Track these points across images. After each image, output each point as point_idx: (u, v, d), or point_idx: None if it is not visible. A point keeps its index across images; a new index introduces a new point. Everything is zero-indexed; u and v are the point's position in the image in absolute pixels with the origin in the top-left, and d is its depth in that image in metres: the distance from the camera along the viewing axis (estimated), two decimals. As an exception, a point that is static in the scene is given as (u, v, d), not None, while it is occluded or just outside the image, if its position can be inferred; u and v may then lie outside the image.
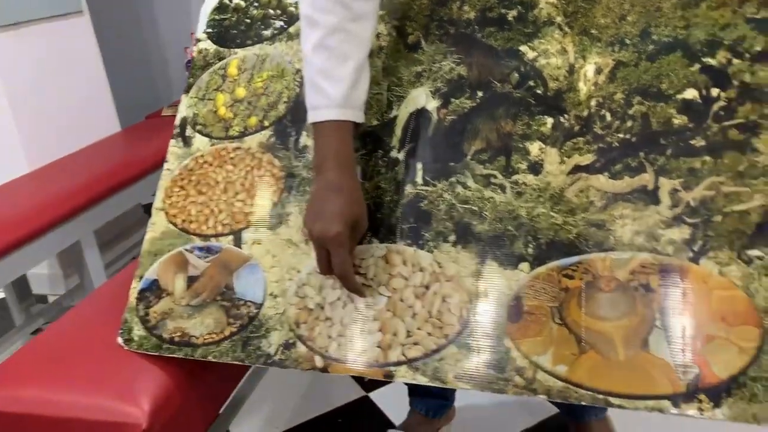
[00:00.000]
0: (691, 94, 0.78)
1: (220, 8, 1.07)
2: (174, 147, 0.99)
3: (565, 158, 0.81)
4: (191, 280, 0.88)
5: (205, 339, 0.84)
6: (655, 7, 0.83)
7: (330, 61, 0.77)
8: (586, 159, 0.80)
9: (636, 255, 0.74)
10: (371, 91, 0.90)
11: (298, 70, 0.97)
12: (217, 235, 0.90)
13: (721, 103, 0.77)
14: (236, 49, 1.03)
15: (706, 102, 0.78)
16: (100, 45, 2.30)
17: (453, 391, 1.26)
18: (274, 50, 1.00)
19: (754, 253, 0.71)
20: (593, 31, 0.85)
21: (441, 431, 1.28)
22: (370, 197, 0.86)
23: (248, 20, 1.04)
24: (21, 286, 1.95)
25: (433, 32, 0.91)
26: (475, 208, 0.81)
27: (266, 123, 0.96)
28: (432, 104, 0.88)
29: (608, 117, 0.81)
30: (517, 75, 0.86)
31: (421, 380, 0.75)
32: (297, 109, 0.95)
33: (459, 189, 0.83)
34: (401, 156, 0.87)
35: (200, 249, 0.90)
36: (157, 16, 3.12)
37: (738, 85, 0.77)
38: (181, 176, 0.96)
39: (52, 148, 2.04)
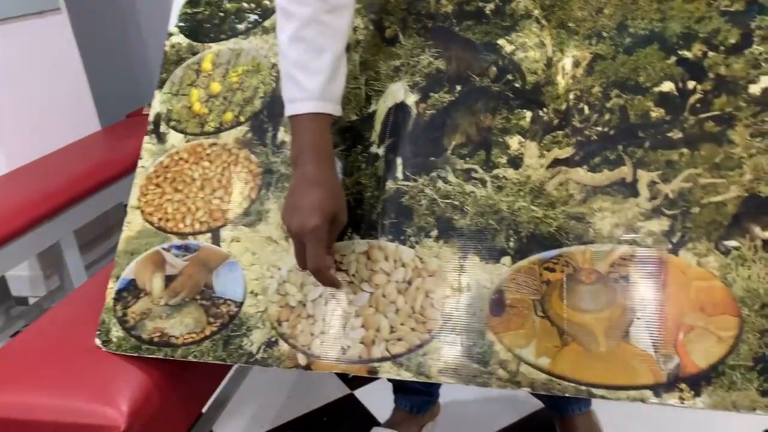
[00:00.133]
0: (667, 86, 0.79)
1: (192, 2, 1.06)
2: (148, 144, 0.98)
3: (544, 152, 0.81)
4: (169, 280, 0.87)
5: (185, 339, 0.83)
6: None
7: (306, 54, 0.77)
8: (566, 152, 0.80)
9: (616, 247, 0.74)
10: (349, 86, 0.89)
11: (274, 65, 0.96)
12: (194, 233, 0.89)
13: (698, 96, 0.77)
14: (210, 44, 1.01)
15: (683, 95, 0.78)
16: (79, 43, 2.27)
17: (437, 386, 1.26)
18: (248, 44, 0.99)
19: (730, 243, 0.71)
20: (570, 24, 0.85)
21: (426, 427, 1.28)
22: (351, 193, 0.85)
23: (222, 14, 1.03)
24: (0, 288, 1.92)
25: (411, 26, 0.91)
26: (457, 203, 0.81)
27: (242, 118, 0.95)
28: (411, 98, 0.88)
29: (586, 110, 0.81)
30: (495, 69, 0.86)
31: (405, 376, 0.75)
32: (273, 104, 0.94)
33: (440, 184, 0.82)
34: (381, 151, 0.87)
35: (178, 247, 0.89)
36: (137, 13, 3.08)
37: (713, 77, 0.78)
38: (156, 173, 0.95)
39: (31, 148, 2.01)
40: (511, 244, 0.77)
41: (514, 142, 0.82)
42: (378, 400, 1.42)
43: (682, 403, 0.67)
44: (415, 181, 0.83)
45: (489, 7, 0.88)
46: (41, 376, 0.81)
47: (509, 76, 0.85)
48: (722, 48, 0.78)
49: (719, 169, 0.74)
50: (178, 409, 0.88)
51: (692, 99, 0.78)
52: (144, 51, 3.15)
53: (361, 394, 1.47)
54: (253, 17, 1.01)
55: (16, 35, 2.01)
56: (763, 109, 0.75)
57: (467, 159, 0.83)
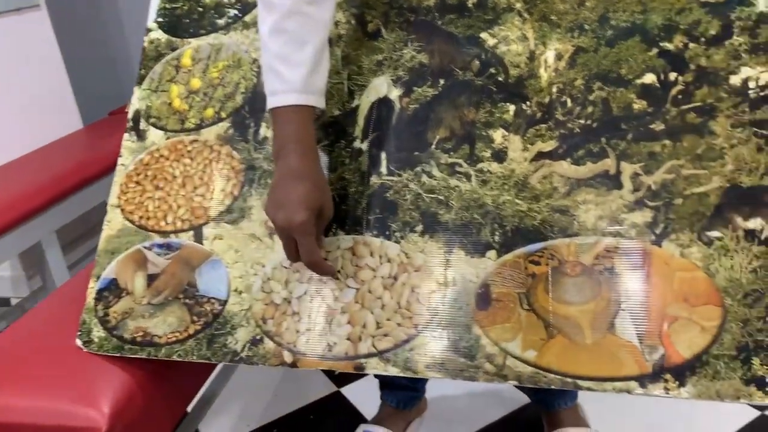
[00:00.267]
0: (649, 78, 0.79)
1: None
2: (128, 141, 0.96)
3: (528, 145, 0.81)
4: (151, 279, 0.86)
5: (168, 338, 0.82)
6: None
7: (287, 45, 0.76)
8: (549, 145, 0.80)
9: (600, 239, 0.74)
10: (331, 80, 0.88)
11: (255, 60, 0.95)
12: (176, 231, 0.88)
13: (679, 87, 0.78)
14: (189, 39, 1.00)
15: (665, 86, 0.78)
16: (59, 39, 2.23)
17: (423, 382, 1.26)
18: (229, 40, 0.98)
19: (713, 234, 0.72)
20: (553, 17, 0.85)
21: (413, 423, 1.28)
22: (335, 189, 0.84)
23: (201, 9, 1.02)
24: (-19, 290, 1.89)
25: (393, 20, 0.90)
26: (441, 198, 0.81)
27: (223, 114, 0.94)
28: (394, 93, 0.87)
29: (569, 103, 0.81)
30: (478, 62, 0.86)
31: (392, 371, 0.74)
32: (255, 99, 0.93)
33: (424, 178, 0.82)
34: (365, 146, 0.86)
35: (159, 246, 0.88)
36: (119, 9, 3.04)
37: (695, 69, 0.78)
38: (136, 171, 0.94)
39: (11, 146, 1.98)
40: (496, 237, 0.77)
41: (497, 135, 0.82)
42: (365, 397, 1.42)
43: (667, 394, 0.67)
44: (400, 175, 0.83)
45: (471, 1, 0.88)
46: (21, 378, 0.80)
47: (492, 70, 0.85)
48: (703, 39, 0.79)
49: (701, 160, 0.75)
50: (162, 409, 0.87)
51: (674, 91, 0.78)
52: (126, 47, 3.12)
53: (348, 391, 1.46)
54: (233, 12, 1.00)
55: (-6, 33, 1.98)
56: (743, 100, 0.75)
57: (451, 153, 0.82)
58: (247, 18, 0.98)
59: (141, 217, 0.91)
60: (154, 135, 0.95)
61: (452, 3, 0.89)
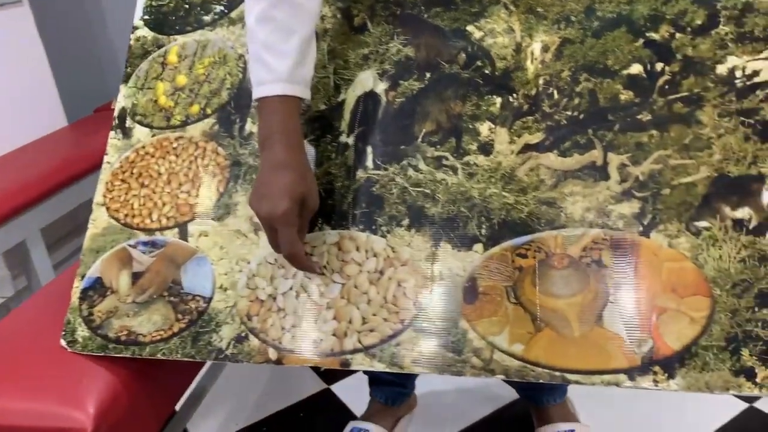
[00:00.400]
0: (636, 69, 0.79)
1: None
2: (113, 139, 0.95)
3: (515, 137, 0.80)
4: (136, 277, 0.85)
5: (152, 337, 0.81)
6: None
7: (274, 35, 0.75)
8: (536, 138, 0.79)
9: (587, 231, 0.74)
10: (317, 75, 0.87)
11: (241, 56, 0.94)
12: (161, 229, 0.87)
13: (666, 77, 0.77)
14: (176, 36, 0.99)
15: (651, 77, 0.78)
16: (42, 36, 2.21)
17: (411, 378, 1.26)
18: (215, 36, 0.97)
19: (701, 224, 0.72)
20: (539, 9, 0.84)
21: (403, 420, 1.27)
22: (321, 184, 0.84)
23: (187, 6, 1.00)
24: (-35, 290, 1.87)
25: (379, 13, 0.89)
26: (428, 191, 0.80)
27: (209, 110, 0.92)
28: (380, 87, 0.86)
29: (556, 95, 0.80)
30: (464, 55, 0.85)
31: (379, 367, 0.74)
32: (241, 95, 0.92)
33: (411, 172, 0.81)
34: (351, 140, 0.85)
35: (144, 244, 0.87)
36: (102, 5, 3.01)
37: (681, 58, 0.78)
38: (122, 169, 0.93)
39: (-6, 145, 1.96)
40: (483, 231, 0.77)
41: (484, 128, 0.81)
42: (355, 395, 1.41)
43: (657, 386, 0.67)
44: (386, 169, 0.82)
45: (457, -8, 0.87)
46: (4, 379, 0.79)
47: (478, 63, 0.84)
48: (689, 29, 0.78)
49: (688, 150, 0.74)
50: (149, 409, 0.86)
51: (661, 81, 0.78)
52: (111, 44, 3.08)
53: (337, 388, 1.46)
54: (219, 8, 0.99)
55: (-25, 29, 1.95)
56: (730, 89, 0.75)
57: (438, 146, 0.82)
58: (233, 14, 0.97)
59: (126, 215, 0.89)
60: (140, 132, 0.94)
61: (438, -5, 0.88)
